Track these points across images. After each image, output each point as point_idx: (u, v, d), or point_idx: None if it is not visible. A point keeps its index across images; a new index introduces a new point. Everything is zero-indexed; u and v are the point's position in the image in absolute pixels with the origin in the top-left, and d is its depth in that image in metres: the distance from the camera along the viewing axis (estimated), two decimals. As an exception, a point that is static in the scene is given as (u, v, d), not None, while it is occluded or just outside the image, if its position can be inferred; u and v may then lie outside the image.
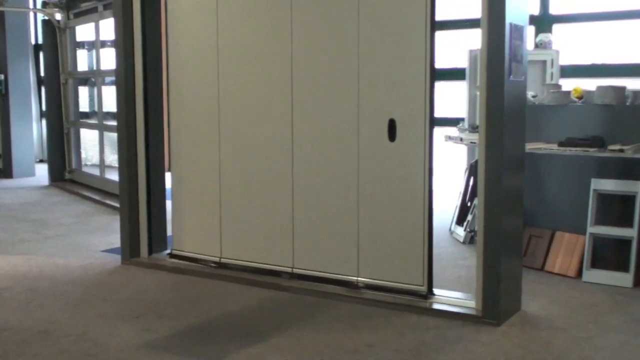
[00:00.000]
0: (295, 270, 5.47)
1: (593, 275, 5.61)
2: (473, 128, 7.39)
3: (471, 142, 6.80)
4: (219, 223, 5.83)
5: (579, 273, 5.70)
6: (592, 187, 5.71)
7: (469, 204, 7.13)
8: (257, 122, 5.56)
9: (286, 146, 5.39)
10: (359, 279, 5.19)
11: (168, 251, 6.26)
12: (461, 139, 7.13)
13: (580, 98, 6.14)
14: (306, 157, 5.33)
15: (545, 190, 6.19)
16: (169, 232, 6.32)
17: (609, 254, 5.66)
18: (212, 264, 5.86)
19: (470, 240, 6.83)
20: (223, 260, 5.82)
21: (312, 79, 5.24)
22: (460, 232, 7.06)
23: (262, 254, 5.62)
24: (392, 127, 4.89)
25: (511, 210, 4.70)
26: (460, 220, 7.23)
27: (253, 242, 5.68)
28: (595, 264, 5.66)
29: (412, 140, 4.86)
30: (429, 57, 4.73)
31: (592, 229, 5.70)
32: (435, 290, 5.02)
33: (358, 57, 4.99)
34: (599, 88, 5.91)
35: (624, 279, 5.48)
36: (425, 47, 4.74)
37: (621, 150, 5.42)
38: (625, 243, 5.58)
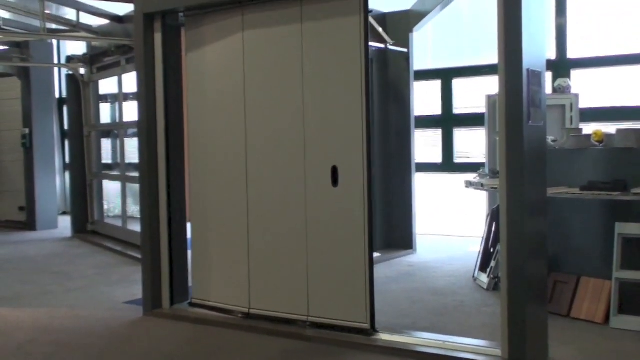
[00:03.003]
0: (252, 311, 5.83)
1: (621, 322, 5.50)
2: (494, 173, 7.37)
3: (492, 188, 6.77)
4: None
5: (607, 319, 5.59)
6: (617, 231, 5.64)
7: (491, 250, 7.06)
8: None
9: (241, 189, 5.82)
10: (309, 317, 5.48)
11: (189, 300, 6.24)
12: (482, 185, 7.11)
13: (600, 142, 6.12)
14: (259, 200, 5.71)
15: (569, 235, 6.12)
16: (191, 283, 6.31)
17: (636, 300, 5.56)
18: (240, 315, 5.83)
19: (494, 286, 6.75)
20: (252, 311, 5.80)
21: (264, 131, 5.66)
22: (484, 278, 6.98)
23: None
24: (335, 173, 5.27)
25: (535, 256, 4.65)
26: (483, 267, 7.16)
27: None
28: (623, 309, 5.56)
29: (352, 185, 5.22)
30: (364, 110, 5.14)
31: (618, 273, 5.61)
32: (459, 339, 4.99)
33: (303, 112, 5.42)
34: (620, 131, 5.89)
35: (653, 325, 5.37)
36: (362, 102, 5.15)
37: (645, 194, 5.37)
38: (652, 288, 5.49)
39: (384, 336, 5.17)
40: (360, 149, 5.17)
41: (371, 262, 5.19)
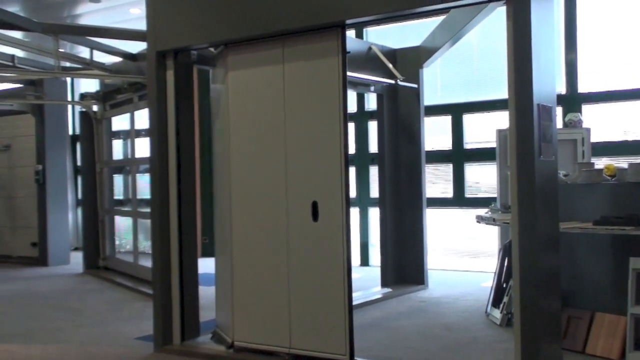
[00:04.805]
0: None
1: (637, 358, 5.41)
2: (505, 208, 7.34)
3: (504, 223, 6.74)
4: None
5: (622, 355, 5.51)
6: (631, 266, 5.58)
7: (504, 285, 7.00)
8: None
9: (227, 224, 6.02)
10: (291, 350, 5.57)
11: (207, 336, 6.22)
12: (494, 220, 7.07)
13: (612, 176, 6.10)
14: (244, 234, 5.85)
15: (583, 270, 6.07)
16: (202, 319, 6.28)
17: (652, 335, 5.49)
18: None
19: (507, 322, 6.68)
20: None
21: (250, 166, 5.82)
22: (497, 314, 6.91)
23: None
24: (315, 208, 5.41)
25: (548, 291, 4.61)
26: (496, 302, 7.10)
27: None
28: (639, 345, 5.48)
29: (332, 219, 5.36)
30: (343, 148, 5.32)
31: (634, 309, 5.54)
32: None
33: (285, 148, 5.59)
34: (632, 165, 5.87)
35: (670, 362, 5.28)
36: (340, 140, 5.33)
37: (658, 228, 5.33)
38: (668, 323, 5.41)
39: (363, 365, 5.23)
40: (339, 185, 5.32)
41: (350, 295, 5.31)
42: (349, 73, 7.93)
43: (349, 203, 5.33)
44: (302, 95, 5.54)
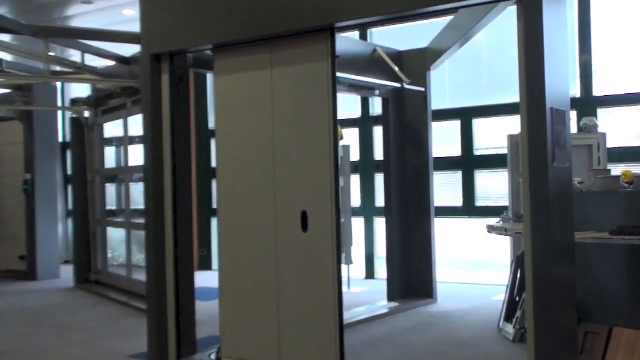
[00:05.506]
0: None
1: (658, 375, 5.41)
2: (518, 217, 7.34)
3: (516, 233, 6.74)
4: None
5: (642, 373, 5.51)
6: (650, 278, 5.59)
7: (517, 299, 7.00)
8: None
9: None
10: None
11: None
12: (506, 230, 7.07)
13: (630, 183, 6.10)
14: (233, 244, 5.93)
15: (600, 283, 6.07)
16: (199, 335, 6.28)
17: (673, 351, 5.48)
18: None
19: (520, 338, 6.67)
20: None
21: (238, 176, 5.91)
22: (510, 329, 6.91)
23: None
24: (305, 218, 5.45)
25: (563, 305, 4.61)
26: (508, 317, 7.09)
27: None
28: (660, 362, 5.48)
29: (322, 230, 5.42)
30: (333, 155, 5.39)
31: (653, 323, 5.54)
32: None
33: (274, 157, 5.67)
34: (650, 172, 5.87)
35: (693, 379, 5.27)
36: (330, 147, 5.39)
37: (679, 238, 5.32)
38: (690, 339, 5.41)
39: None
40: (329, 194, 5.39)
41: (340, 308, 5.37)
42: (353, 77, 8.07)
43: (339, 213, 5.41)
44: (290, 101, 5.61)
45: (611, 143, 8.64)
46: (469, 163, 10.75)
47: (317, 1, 5.27)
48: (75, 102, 12.03)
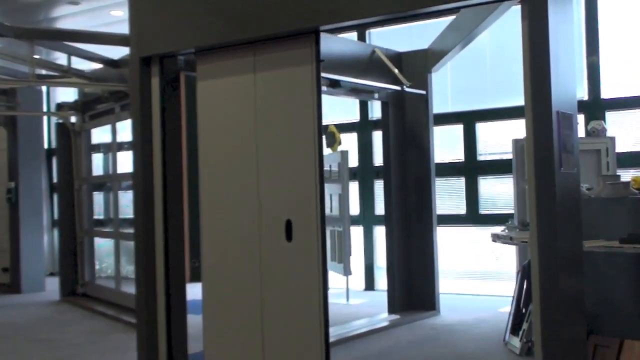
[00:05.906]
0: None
1: (671, 390, 5.40)
2: (523, 225, 7.34)
3: (522, 242, 6.74)
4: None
5: (655, 387, 5.50)
6: (662, 288, 5.59)
7: (523, 311, 7.00)
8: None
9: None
10: None
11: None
12: (511, 238, 7.07)
13: (641, 189, 6.10)
14: (215, 255, 6.00)
15: (609, 294, 6.06)
16: (191, 350, 6.27)
17: (687, 365, 5.47)
18: None
19: (527, 351, 6.67)
20: None
21: (220, 185, 5.94)
22: (516, 342, 6.90)
23: None
24: (289, 227, 5.46)
25: (571, 317, 4.60)
26: (514, 329, 7.08)
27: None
28: (673, 376, 5.47)
29: (307, 239, 5.41)
30: (318, 162, 5.39)
31: (666, 336, 5.54)
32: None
33: (257, 163, 5.68)
34: (662, 178, 5.88)
35: None
36: (315, 154, 5.39)
37: (692, 246, 5.33)
38: None
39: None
40: (314, 202, 5.38)
41: (326, 322, 5.36)
42: (351, 79, 8.08)
43: (324, 222, 5.41)
44: (274, 106, 5.62)
45: (620, 147, 8.65)
46: (472, 169, 10.76)
47: (300, 3, 5.28)
48: (61, 106, 12.02)
